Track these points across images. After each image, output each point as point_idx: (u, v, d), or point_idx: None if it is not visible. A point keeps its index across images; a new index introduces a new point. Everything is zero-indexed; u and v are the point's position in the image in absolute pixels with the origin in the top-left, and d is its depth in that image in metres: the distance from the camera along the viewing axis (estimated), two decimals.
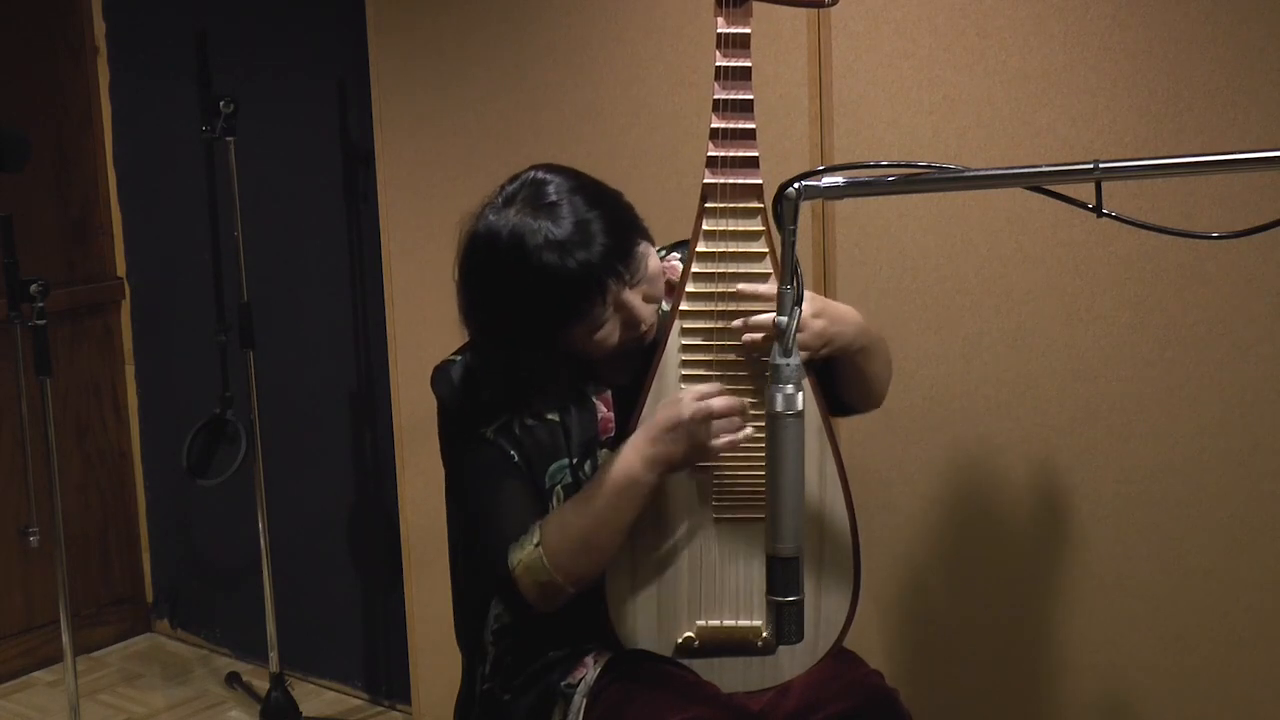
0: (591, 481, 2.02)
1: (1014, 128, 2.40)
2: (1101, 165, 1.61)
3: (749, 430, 1.98)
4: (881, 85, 2.51)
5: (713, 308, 2.02)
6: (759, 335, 1.98)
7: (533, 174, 2.03)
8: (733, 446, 1.98)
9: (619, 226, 2.00)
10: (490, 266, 2.00)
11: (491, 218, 2.00)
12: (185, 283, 3.91)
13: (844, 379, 2.13)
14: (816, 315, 2.00)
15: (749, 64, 1.98)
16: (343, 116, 3.48)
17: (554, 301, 1.97)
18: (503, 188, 2.03)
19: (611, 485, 1.99)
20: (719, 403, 1.97)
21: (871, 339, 2.11)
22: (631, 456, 1.99)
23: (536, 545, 2.00)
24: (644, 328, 2.04)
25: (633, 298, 2.01)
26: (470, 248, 2.02)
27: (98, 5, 3.99)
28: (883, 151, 2.50)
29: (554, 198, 1.98)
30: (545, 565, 1.99)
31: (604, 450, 2.07)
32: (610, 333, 2.02)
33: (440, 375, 2.11)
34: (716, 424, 1.97)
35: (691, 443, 1.97)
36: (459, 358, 2.12)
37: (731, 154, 1.99)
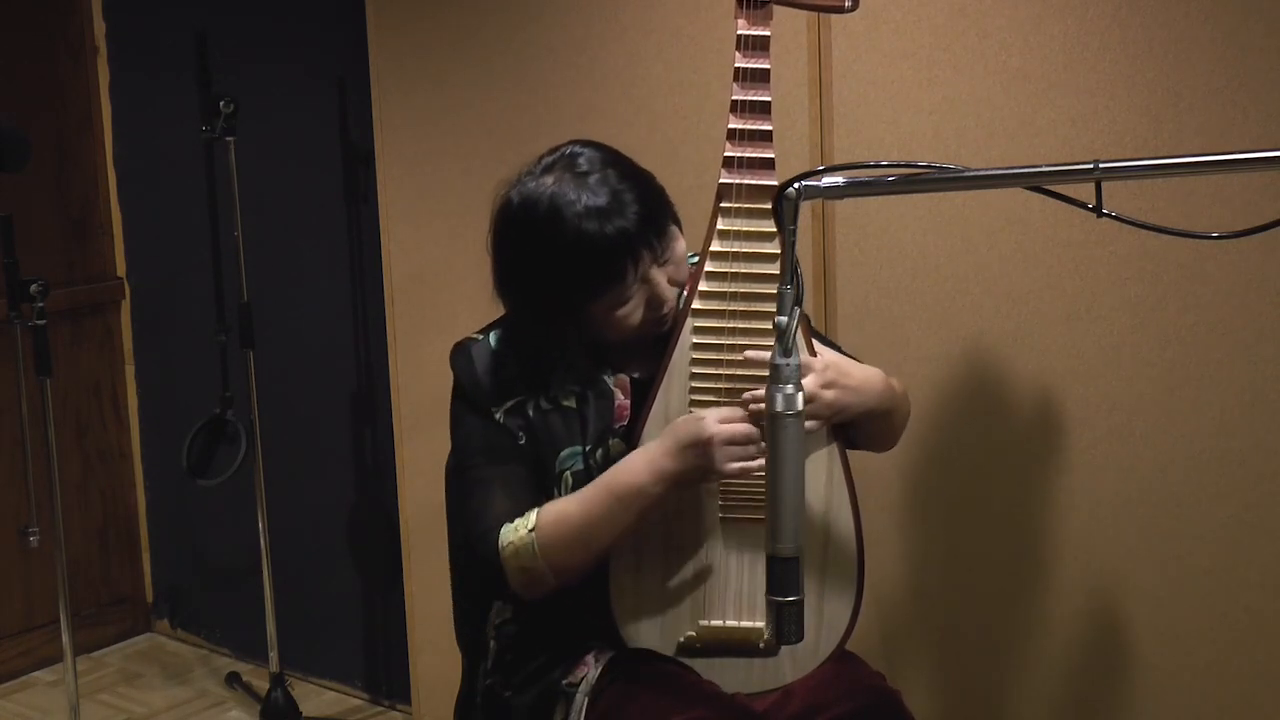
0: (598, 480, 2.01)
1: (1014, 128, 2.40)
2: (1101, 165, 1.60)
3: (761, 461, 1.94)
4: (881, 85, 2.51)
5: (726, 307, 2.02)
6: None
7: (570, 148, 2.05)
8: (744, 474, 1.98)
9: (653, 203, 2.02)
10: (527, 233, 2.01)
11: (530, 185, 2.01)
12: (185, 283, 3.91)
13: (861, 430, 2.13)
14: (828, 386, 2.01)
15: (768, 66, 1.99)
16: (343, 116, 3.48)
17: (588, 268, 1.98)
18: (540, 159, 2.05)
19: (617, 489, 1.98)
20: (740, 428, 1.96)
21: (893, 401, 2.12)
22: (641, 465, 1.98)
23: (530, 531, 1.99)
24: (665, 309, 2.05)
25: (659, 276, 2.02)
26: (506, 216, 2.04)
27: (98, 5, 3.99)
28: (883, 151, 2.50)
29: (591, 169, 2.00)
30: (535, 553, 1.99)
31: (616, 439, 2.07)
32: (634, 310, 2.02)
33: (459, 352, 2.12)
34: (733, 449, 1.96)
35: (704, 463, 1.96)
36: (480, 336, 2.12)
37: (748, 154, 2.00)
